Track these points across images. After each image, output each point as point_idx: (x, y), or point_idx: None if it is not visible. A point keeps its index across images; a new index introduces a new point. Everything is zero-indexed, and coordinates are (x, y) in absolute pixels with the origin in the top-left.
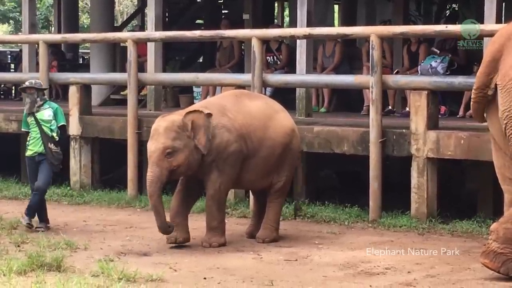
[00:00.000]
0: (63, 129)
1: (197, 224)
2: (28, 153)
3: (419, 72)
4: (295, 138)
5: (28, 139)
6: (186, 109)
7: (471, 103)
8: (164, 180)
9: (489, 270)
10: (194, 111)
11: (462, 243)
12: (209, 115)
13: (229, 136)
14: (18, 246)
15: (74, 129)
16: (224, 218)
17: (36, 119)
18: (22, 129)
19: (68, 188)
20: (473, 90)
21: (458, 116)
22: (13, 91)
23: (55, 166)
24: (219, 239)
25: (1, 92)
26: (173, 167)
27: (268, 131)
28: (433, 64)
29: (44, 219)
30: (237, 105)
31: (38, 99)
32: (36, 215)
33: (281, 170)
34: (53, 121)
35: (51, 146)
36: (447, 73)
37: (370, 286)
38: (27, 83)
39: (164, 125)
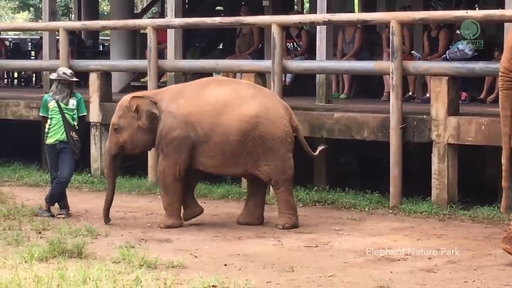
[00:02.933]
0: (82, 119)
1: (217, 211)
2: (49, 141)
3: (448, 57)
4: (264, 125)
5: (48, 126)
6: (142, 92)
7: (499, 91)
8: (113, 153)
9: (510, 256)
10: (140, 96)
11: (483, 229)
12: (152, 102)
13: (172, 122)
14: (40, 233)
15: (94, 116)
16: (175, 201)
17: (60, 107)
18: (40, 114)
19: (89, 175)
20: (499, 78)
21: (479, 98)
22: (33, 79)
23: (76, 154)
24: (166, 221)
25: (22, 80)
26: (120, 143)
27: (221, 118)
28: (460, 46)
29: (65, 206)
30: (196, 92)
31: (71, 90)
32: (57, 202)
33: (257, 159)
34: (75, 111)
35: (73, 134)
36: (475, 54)
37: (391, 272)
38: (68, 74)
39: (118, 104)
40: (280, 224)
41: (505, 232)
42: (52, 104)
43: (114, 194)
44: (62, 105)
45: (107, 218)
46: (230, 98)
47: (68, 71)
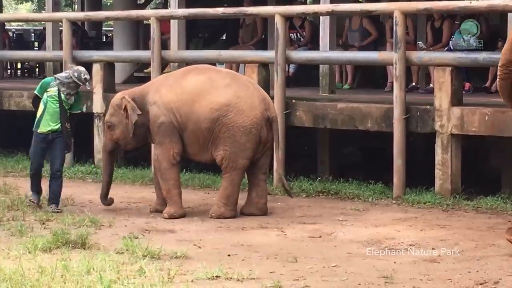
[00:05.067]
0: (75, 116)
1: None
2: (42, 129)
3: (451, 47)
4: (232, 113)
5: (40, 113)
6: (132, 89)
7: (498, 80)
8: (109, 149)
9: None
10: (126, 98)
11: (487, 220)
12: (133, 100)
13: (157, 111)
14: (43, 223)
15: (97, 106)
16: (172, 187)
17: (60, 97)
18: (35, 92)
19: (93, 165)
20: (498, 67)
21: (484, 86)
22: (37, 69)
23: (68, 146)
24: (169, 210)
25: (25, 70)
26: (114, 139)
27: (194, 106)
28: (465, 37)
29: (37, 190)
30: (176, 81)
31: (76, 91)
32: (32, 187)
33: (218, 144)
34: (70, 105)
35: (67, 125)
36: (480, 45)
37: (394, 262)
38: (88, 80)
39: (111, 101)
40: (210, 213)
41: (509, 223)
42: (53, 91)
43: (110, 184)
44: (63, 96)
45: (105, 200)
46: (204, 87)
47: (88, 77)
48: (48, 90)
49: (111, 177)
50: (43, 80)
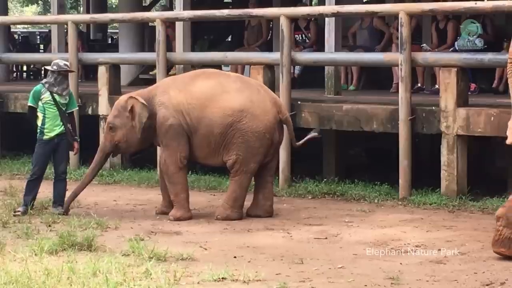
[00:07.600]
0: (73, 114)
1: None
2: (47, 136)
3: (457, 47)
4: (246, 119)
5: (42, 120)
6: (137, 91)
7: (508, 77)
8: (107, 151)
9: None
10: (136, 97)
11: (493, 221)
12: (145, 105)
13: (165, 112)
14: (49, 226)
15: (103, 109)
16: (180, 190)
17: (54, 99)
18: (29, 104)
19: None
20: (508, 64)
21: (493, 87)
22: (42, 72)
23: (73, 146)
24: (176, 213)
25: (31, 73)
26: (115, 141)
27: (206, 111)
28: (470, 37)
29: (26, 203)
30: (185, 84)
31: (68, 82)
32: (28, 193)
33: (230, 148)
34: (66, 105)
35: (69, 125)
36: (485, 46)
37: (401, 263)
38: (68, 64)
39: (115, 103)
40: (215, 214)
41: (495, 235)
42: (47, 96)
43: (84, 188)
44: (57, 97)
45: (67, 209)
46: (214, 92)
47: (67, 62)
48: (41, 98)
49: (90, 181)
50: (33, 90)
